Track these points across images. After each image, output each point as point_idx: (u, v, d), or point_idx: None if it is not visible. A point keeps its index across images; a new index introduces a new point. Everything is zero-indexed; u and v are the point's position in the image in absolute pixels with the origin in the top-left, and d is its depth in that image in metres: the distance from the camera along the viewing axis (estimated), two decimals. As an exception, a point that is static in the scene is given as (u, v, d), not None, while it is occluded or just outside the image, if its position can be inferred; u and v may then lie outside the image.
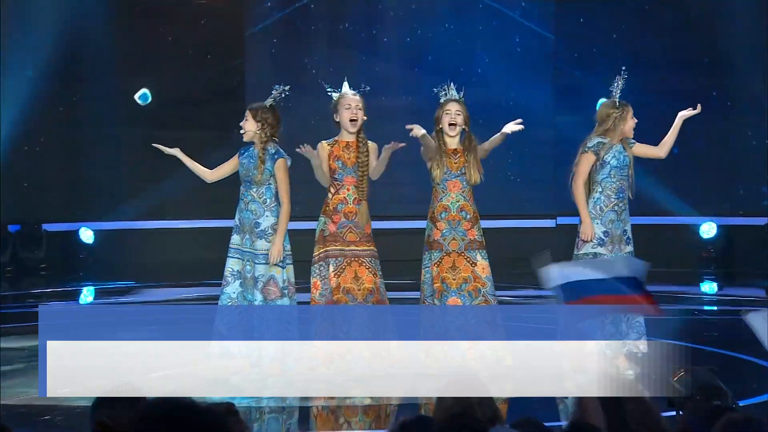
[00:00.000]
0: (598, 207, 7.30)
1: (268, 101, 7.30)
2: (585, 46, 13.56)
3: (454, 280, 7.21)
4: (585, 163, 7.30)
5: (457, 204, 7.27)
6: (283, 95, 7.32)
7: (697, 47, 13.55)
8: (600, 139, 7.30)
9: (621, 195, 7.31)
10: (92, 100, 13.61)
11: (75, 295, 12.01)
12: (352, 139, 7.32)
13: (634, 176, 7.37)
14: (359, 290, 7.17)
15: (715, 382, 3.77)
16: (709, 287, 12.40)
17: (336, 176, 7.28)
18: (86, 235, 13.79)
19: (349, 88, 7.41)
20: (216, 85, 13.54)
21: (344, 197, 7.27)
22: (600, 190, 7.31)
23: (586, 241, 7.26)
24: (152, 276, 12.73)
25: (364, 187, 7.28)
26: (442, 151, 7.27)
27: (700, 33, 13.55)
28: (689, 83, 13.45)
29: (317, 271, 7.26)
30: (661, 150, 7.48)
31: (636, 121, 7.34)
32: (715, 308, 11.15)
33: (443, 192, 7.28)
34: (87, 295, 12.26)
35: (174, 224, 13.73)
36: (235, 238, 7.26)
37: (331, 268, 7.21)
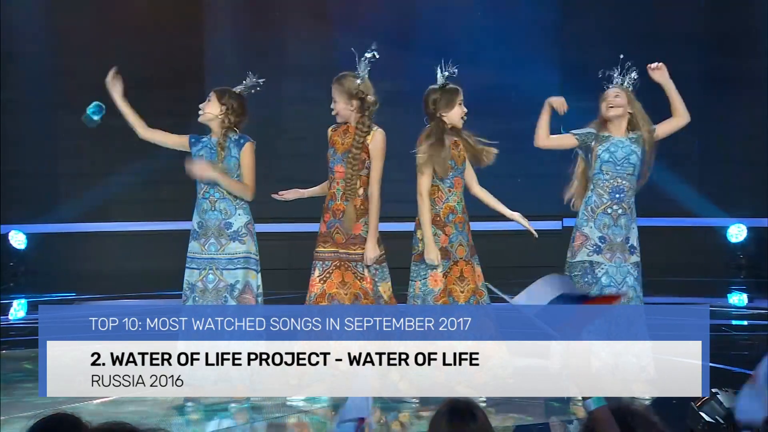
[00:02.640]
0: (589, 208, 7.35)
1: (238, 88, 7.34)
2: (595, 21, 13.63)
3: (462, 292, 7.23)
4: (563, 140, 7.39)
5: (461, 204, 7.33)
6: (255, 88, 7.35)
7: (721, 23, 13.63)
8: (591, 129, 7.38)
9: (618, 196, 7.31)
10: (25, 81, 13.60)
11: (3, 310, 12.00)
12: (352, 123, 7.36)
13: (644, 168, 7.35)
14: (346, 295, 7.22)
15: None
16: (738, 299, 12.48)
17: (330, 166, 7.35)
18: (17, 239, 13.78)
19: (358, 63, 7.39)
20: (171, 66, 13.55)
21: (334, 192, 7.32)
22: (592, 188, 7.35)
23: (581, 247, 7.30)
24: (95, 286, 12.74)
25: (354, 182, 7.26)
26: (444, 142, 7.29)
27: (725, 7, 13.63)
28: (712, 64, 13.54)
29: (311, 273, 7.38)
30: (680, 118, 7.44)
31: (611, 105, 7.30)
32: (745, 323, 11.23)
33: (449, 191, 7.30)
34: (18, 309, 12.26)
35: (120, 227, 13.74)
36: (193, 246, 7.25)
37: (317, 273, 7.28)
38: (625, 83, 7.39)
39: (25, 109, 13.61)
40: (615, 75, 7.41)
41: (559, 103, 7.30)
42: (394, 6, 13.84)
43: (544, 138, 7.40)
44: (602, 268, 7.28)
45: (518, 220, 7.42)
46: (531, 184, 13.54)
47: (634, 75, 7.38)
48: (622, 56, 7.40)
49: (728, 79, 13.58)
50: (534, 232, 7.37)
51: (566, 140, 7.43)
